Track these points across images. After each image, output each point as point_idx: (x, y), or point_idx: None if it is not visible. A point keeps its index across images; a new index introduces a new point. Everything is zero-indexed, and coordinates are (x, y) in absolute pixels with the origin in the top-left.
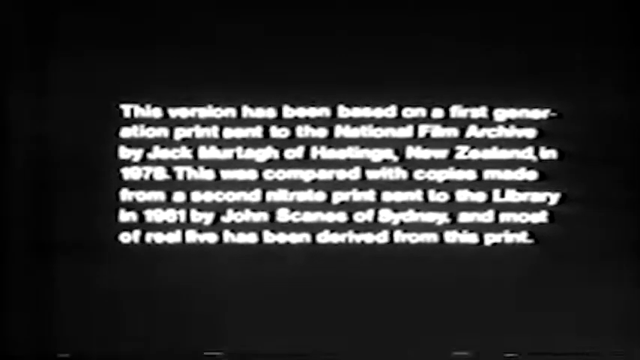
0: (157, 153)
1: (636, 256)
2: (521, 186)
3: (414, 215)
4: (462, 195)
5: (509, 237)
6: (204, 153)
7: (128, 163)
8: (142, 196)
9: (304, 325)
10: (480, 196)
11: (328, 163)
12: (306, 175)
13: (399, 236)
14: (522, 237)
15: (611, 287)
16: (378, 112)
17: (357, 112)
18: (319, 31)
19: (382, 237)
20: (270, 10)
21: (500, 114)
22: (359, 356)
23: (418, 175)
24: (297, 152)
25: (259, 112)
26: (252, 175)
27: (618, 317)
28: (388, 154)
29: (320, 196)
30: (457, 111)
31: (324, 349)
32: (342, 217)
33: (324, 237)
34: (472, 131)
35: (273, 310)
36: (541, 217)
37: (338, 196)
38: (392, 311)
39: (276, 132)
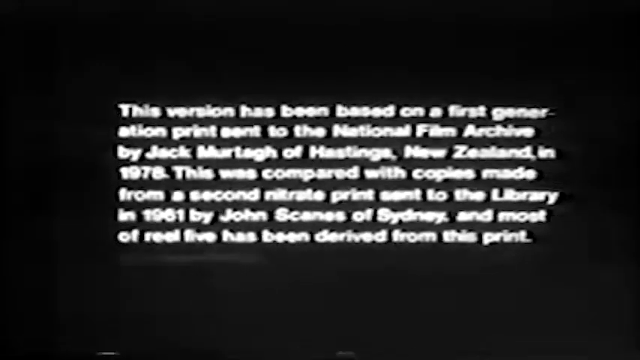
0: (156, 152)
1: (636, 256)
2: (520, 185)
3: (412, 214)
4: (461, 194)
5: (507, 236)
6: (202, 152)
7: (127, 162)
8: (140, 195)
9: (303, 324)
10: (479, 196)
11: (327, 162)
12: (305, 174)
13: (398, 235)
14: (521, 236)
15: (610, 287)
16: (377, 112)
17: (355, 111)
18: (318, 30)
19: (381, 236)
20: (269, 9)
21: (499, 113)
22: (358, 355)
23: (417, 174)
24: (296, 152)
25: (257, 112)
26: (250, 174)
27: (617, 317)
28: (387, 153)
29: (319, 196)
30: (455, 110)
31: (323, 348)
32: (340, 216)
33: (323, 236)
34: (470, 130)
35: (272, 309)
36: (539, 216)
37: (337, 196)
38: (391, 310)
39: (274, 131)
